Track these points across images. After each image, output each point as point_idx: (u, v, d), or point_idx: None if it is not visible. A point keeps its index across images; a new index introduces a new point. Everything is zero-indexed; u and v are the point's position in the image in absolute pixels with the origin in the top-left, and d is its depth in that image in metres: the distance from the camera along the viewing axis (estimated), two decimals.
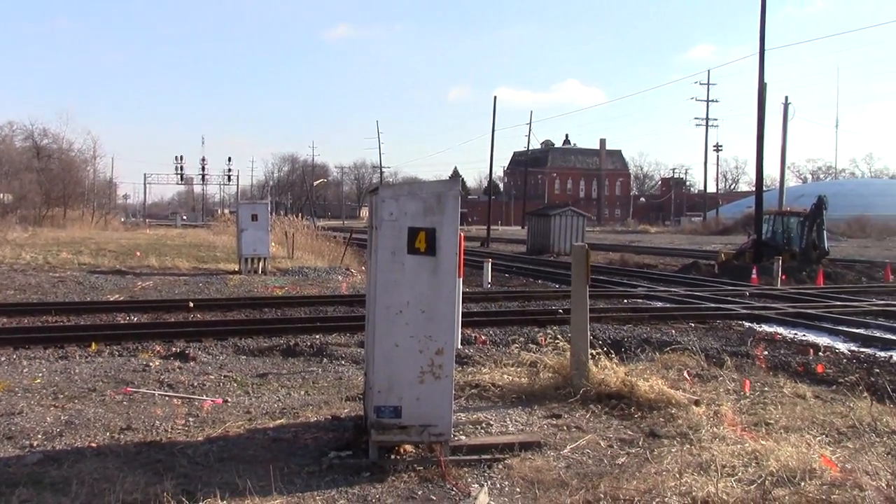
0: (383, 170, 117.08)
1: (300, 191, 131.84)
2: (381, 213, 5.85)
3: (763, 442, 6.17)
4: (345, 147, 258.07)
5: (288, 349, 11.08)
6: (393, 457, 5.99)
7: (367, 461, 5.89)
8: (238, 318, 14.56)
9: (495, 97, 62.84)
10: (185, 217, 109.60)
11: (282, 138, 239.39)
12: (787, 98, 46.75)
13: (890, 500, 4.26)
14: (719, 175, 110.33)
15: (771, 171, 64.02)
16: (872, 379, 9.19)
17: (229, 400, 8.12)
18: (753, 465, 5.68)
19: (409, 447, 6.09)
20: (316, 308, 16.35)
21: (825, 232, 29.11)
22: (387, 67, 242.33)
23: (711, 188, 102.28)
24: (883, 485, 4.62)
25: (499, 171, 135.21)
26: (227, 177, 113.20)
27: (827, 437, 6.63)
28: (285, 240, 33.23)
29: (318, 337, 12.15)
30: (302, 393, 8.57)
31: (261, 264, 24.29)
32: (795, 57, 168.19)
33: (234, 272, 24.05)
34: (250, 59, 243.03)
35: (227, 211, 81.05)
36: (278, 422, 7.18)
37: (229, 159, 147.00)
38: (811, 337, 13.64)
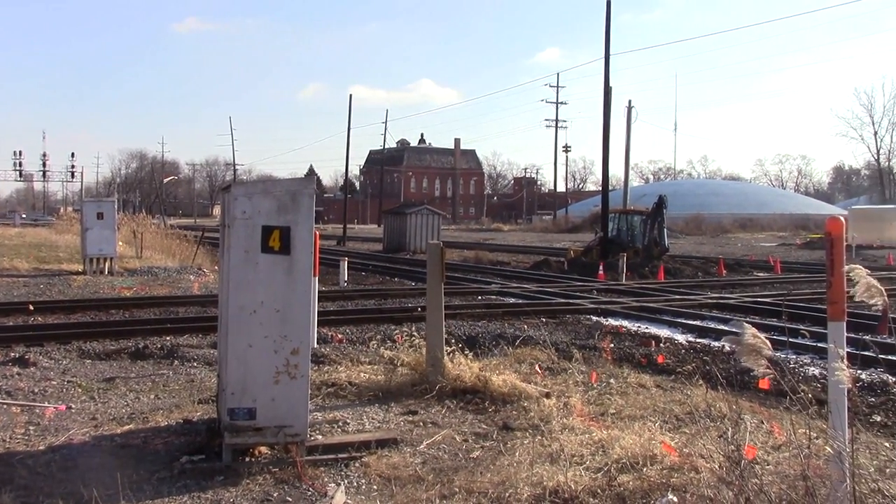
0: (237, 167, 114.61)
1: (149, 188, 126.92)
2: (234, 211, 5.74)
3: (609, 431, 6.44)
4: (196, 143, 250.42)
5: (137, 352, 10.67)
6: (248, 459, 5.89)
7: (221, 465, 5.77)
8: (82, 321, 13.89)
9: (350, 95, 62.81)
10: (24, 215, 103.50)
11: (130, 134, 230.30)
12: (630, 102, 48.78)
13: (722, 480, 4.55)
14: (568, 175, 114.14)
15: (616, 172, 66.86)
16: (707, 368, 9.76)
17: (73, 406, 7.74)
18: (600, 453, 5.92)
19: (264, 449, 6.00)
20: (166, 309, 15.82)
21: (665, 230, 30.65)
22: (240, 63, 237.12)
23: (561, 188, 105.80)
24: (716, 466, 4.93)
25: (355, 170, 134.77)
26: (70, 173, 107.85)
27: (667, 423, 7.00)
28: (133, 239, 31.98)
29: (168, 338, 11.77)
30: (152, 397, 8.28)
31: (107, 264, 23.25)
32: (638, 62, 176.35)
33: (78, 273, 22.91)
34: (94, 50, 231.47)
35: (70, 209, 77.05)
36: (126, 427, 6.91)
37: (72, 155, 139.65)
38: (653, 329, 14.34)
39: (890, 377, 9.64)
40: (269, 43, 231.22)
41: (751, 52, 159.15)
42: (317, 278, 10.80)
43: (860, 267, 4.37)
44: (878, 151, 73.59)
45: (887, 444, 6.53)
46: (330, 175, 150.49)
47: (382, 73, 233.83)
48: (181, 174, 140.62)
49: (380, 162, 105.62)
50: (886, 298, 4.33)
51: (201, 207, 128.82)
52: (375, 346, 11.09)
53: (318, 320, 11.08)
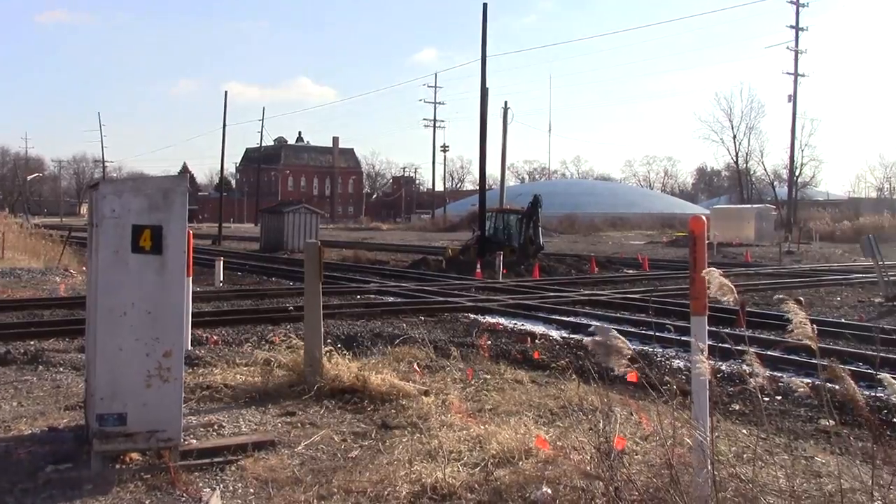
0: (106, 164, 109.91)
1: (12, 186, 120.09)
2: (103, 209, 5.54)
3: (486, 426, 6.55)
4: (63, 140, 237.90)
5: None
6: (118, 466, 5.69)
7: (90, 473, 5.55)
8: None
9: (226, 92, 61.36)
10: None
11: None
12: (506, 103, 49.81)
13: (594, 471, 4.72)
14: (446, 174, 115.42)
15: (493, 171, 67.58)
16: (580, 362, 10.07)
17: None
18: (478, 448, 6.02)
19: (136, 455, 5.81)
20: (30, 312, 15.05)
21: (540, 228, 31.34)
22: (109, 57, 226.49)
23: (439, 187, 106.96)
24: (587, 458, 5.11)
25: (231, 168, 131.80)
26: None
27: (542, 418, 7.19)
28: None
29: (32, 343, 11.20)
30: (14, 404, 7.87)
31: None
32: (514, 65, 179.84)
33: None
34: None
35: None
36: None
37: None
38: (529, 326, 14.66)
39: (746, 367, 10.18)
40: (140, 38, 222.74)
41: (620, 58, 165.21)
42: (190, 279, 10.53)
43: (714, 269, 4.61)
44: (737, 154, 77.39)
45: (744, 431, 6.91)
46: (205, 173, 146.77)
47: (258, 69, 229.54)
48: (46, 171, 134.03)
49: (256, 160, 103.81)
50: (737, 295, 4.58)
51: (68, 206, 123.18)
52: (252, 347, 10.91)
53: (192, 322, 10.81)
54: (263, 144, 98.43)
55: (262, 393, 8.09)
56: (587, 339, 5.10)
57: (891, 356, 11.04)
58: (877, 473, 4.00)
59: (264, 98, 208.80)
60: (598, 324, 4.42)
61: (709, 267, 4.48)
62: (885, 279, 19.56)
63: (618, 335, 4.53)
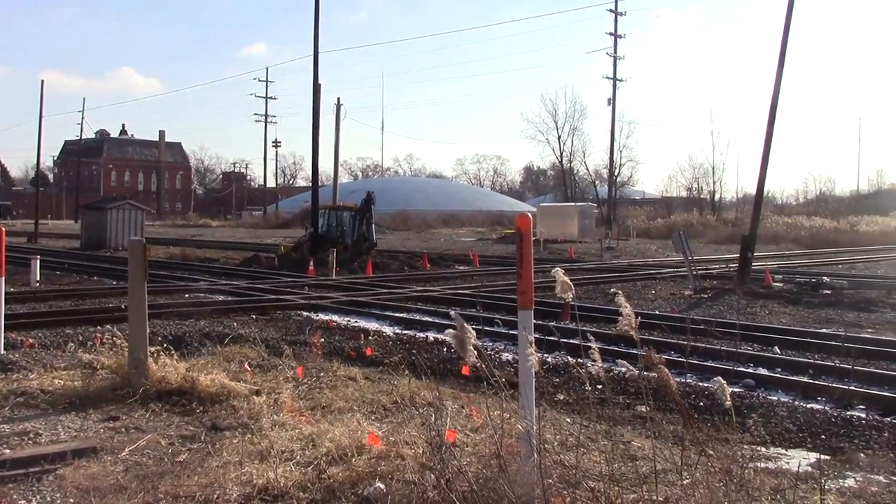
0: None
1: None
2: None
3: (319, 425, 6.53)
4: None
5: None
6: None
7: None
8: None
9: (42, 81, 57.68)
10: None
11: None
12: (339, 99, 49.48)
13: (426, 464, 4.82)
14: (279, 170, 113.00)
15: (326, 168, 67.48)
16: (412, 358, 10.21)
17: None
18: (310, 447, 5.99)
19: None
20: None
21: (374, 225, 31.43)
22: None
23: (271, 183, 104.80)
24: (420, 452, 5.20)
25: (48, 161, 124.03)
26: None
27: (375, 414, 7.24)
28: None
29: None
30: None
31: None
32: (348, 61, 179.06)
33: None
34: None
35: None
36: None
37: None
38: (362, 322, 14.70)
39: (571, 358, 10.66)
40: None
41: (451, 57, 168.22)
42: (3, 278, 9.88)
43: (560, 269, 4.82)
44: (562, 154, 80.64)
45: (568, 420, 7.24)
46: (19, 167, 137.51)
47: (79, 59, 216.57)
48: None
49: (77, 153, 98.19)
50: (574, 292, 4.82)
51: None
52: (73, 349, 10.35)
53: (4, 324, 10.14)
54: (84, 137, 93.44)
55: (83, 397, 7.71)
56: (446, 333, 5.21)
57: (699, 345, 11.86)
58: (685, 454, 4.30)
59: (86, 89, 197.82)
60: (455, 314, 4.53)
61: (534, 263, 4.68)
62: (694, 273, 20.99)
63: (471, 329, 4.68)
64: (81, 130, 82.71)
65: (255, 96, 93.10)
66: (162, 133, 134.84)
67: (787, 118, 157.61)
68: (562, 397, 8.83)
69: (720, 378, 4.50)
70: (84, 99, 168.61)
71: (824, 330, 14.09)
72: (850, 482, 6.06)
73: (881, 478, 6.24)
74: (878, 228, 55.03)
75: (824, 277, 22.53)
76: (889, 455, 6.94)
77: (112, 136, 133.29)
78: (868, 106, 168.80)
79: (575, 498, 4.31)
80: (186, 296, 18.50)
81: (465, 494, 4.34)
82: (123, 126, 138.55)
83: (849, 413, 8.36)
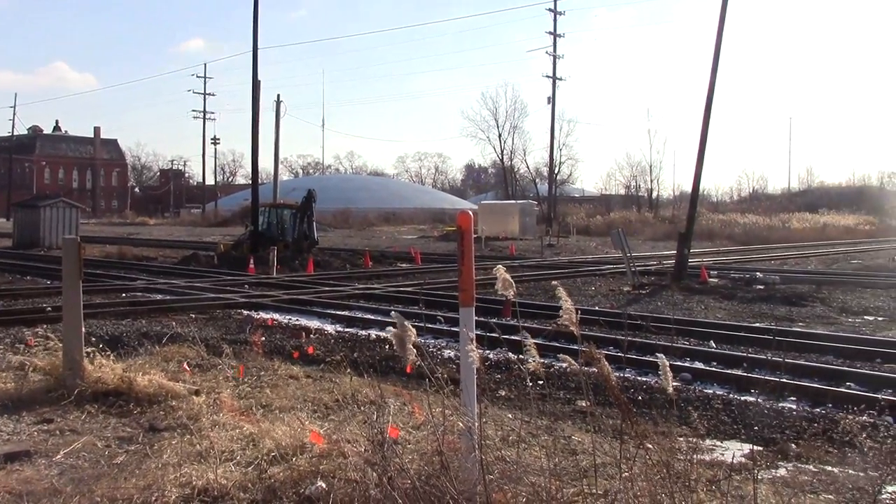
0: None
1: None
2: None
3: (260, 424, 6.47)
4: None
5: None
6: None
7: None
8: None
9: None
10: None
11: None
12: (279, 96, 48.90)
13: (368, 463, 4.81)
14: (218, 168, 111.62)
15: (266, 165, 66.60)
16: (354, 355, 10.19)
17: None
18: (251, 447, 5.94)
19: None
20: None
21: (315, 223, 31.22)
22: None
23: (210, 181, 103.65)
24: (362, 450, 5.20)
25: None
26: None
27: (317, 412, 7.21)
28: None
29: None
30: None
31: None
32: (288, 58, 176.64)
33: None
34: None
35: None
36: None
37: None
38: (304, 321, 14.61)
39: (512, 355, 10.75)
40: None
41: (392, 55, 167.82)
42: None
43: (501, 266, 4.86)
44: (503, 152, 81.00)
45: (510, 416, 7.30)
46: None
47: (9, 53, 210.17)
48: None
49: (8, 150, 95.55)
50: (515, 289, 4.86)
51: None
52: (3, 350, 10.09)
53: None
54: (16, 133, 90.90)
55: (15, 400, 7.51)
56: (387, 330, 5.22)
57: (637, 339, 12.06)
58: (624, 448, 4.37)
59: (17, 83, 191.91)
60: (396, 313, 4.53)
61: (476, 260, 4.71)
62: (632, 269, 21.32)
63: (411, 327, 4.68)
64: (13, 126, 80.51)
65: (194, 93, 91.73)
66: (97, 129, 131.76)
67: (722, 117, 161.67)
68: (503, 393, 8.90)
69: (662, 355, 4.58)
70: (15, 94, 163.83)
71: (757, 324, 14.46)
72: (782, 472, 6.24)
73: (811, 467, 6.43)
74: (808, 225, 56.54)
75: (757, 273, 23.14)
76: (818, 445, 7.15)
77: (45, 132, 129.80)
78: (798, 106, 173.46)
79: (516, 493, 4.36)
80: (123, 295, 18.17)
81: (408, 492, 4.35)
82: (57, 122, 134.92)
83: (781, 405, 8.60)
